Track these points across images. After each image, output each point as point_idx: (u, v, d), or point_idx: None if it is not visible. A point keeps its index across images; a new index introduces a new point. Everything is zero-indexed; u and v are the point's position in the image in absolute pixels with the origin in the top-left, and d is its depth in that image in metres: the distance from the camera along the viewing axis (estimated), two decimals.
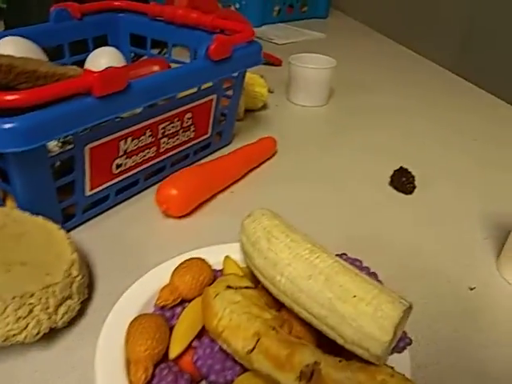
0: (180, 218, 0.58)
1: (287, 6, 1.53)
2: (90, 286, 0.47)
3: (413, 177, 0.66)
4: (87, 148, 0.50)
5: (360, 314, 0.33)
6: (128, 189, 0.60)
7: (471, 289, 0.51)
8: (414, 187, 0.66)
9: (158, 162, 0.62)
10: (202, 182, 0.60)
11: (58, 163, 0.50)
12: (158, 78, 0.55)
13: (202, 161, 0.69)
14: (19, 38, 0.63)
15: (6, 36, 0.62)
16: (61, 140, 0.53)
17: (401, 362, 0.37)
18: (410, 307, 0.35)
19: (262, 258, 0.40)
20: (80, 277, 0.43)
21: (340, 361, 0.33)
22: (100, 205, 0.57)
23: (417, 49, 1.35)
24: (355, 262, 0.45)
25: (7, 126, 0.41)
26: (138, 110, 0.54)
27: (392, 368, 0.34)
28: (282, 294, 0.38)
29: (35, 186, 0.47)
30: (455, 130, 0.86)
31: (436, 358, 0.42)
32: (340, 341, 0.35)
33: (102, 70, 0.46)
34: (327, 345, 0.36)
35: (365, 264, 0.45)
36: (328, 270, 0.36)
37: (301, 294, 0.36)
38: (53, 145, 0.52)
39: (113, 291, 0.46)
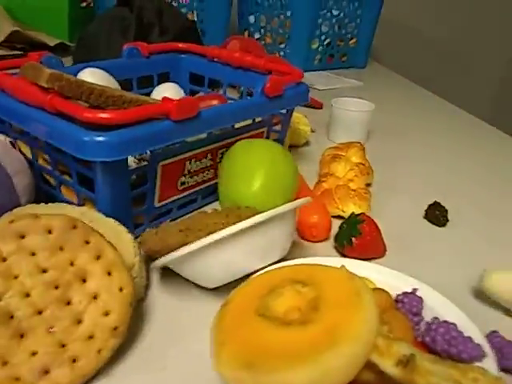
0: None
1: (328, 56, 1.62)
2: (146, 287, 0.52)
3: (446, 211, 0.71)
4: (160, 165, 0.57)
5: None
6: (188, 205, 0.66)
7: None
8: (447, 220, 0.71)
9: (214, 183, 0.68)
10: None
11: (134, 176, 0.57)
12: (222, 109, 0.63)
13: None
14: (98, 69, 0.70)
15: (87, 68, 0.70)
16: (137, 157, 0.60)
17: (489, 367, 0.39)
18: None
19: None
20: (138, 279, 0.48)
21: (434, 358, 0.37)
22: (164, 217, 0.63)
23: (451, 99, 1.41)
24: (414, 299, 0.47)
25: (100, 138, 0.47)
26: (203, 136, 0.62)
27: (483, 368, 0.37)
28: None
29: (115, 193, 0.54)
30: (485, 172, 0.91)
31: None
32: None
33: (179, 99, 0.54)
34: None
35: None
36: None
37: None
38: (130, 160, 0.59)
39: (167, 296, 0.52)
